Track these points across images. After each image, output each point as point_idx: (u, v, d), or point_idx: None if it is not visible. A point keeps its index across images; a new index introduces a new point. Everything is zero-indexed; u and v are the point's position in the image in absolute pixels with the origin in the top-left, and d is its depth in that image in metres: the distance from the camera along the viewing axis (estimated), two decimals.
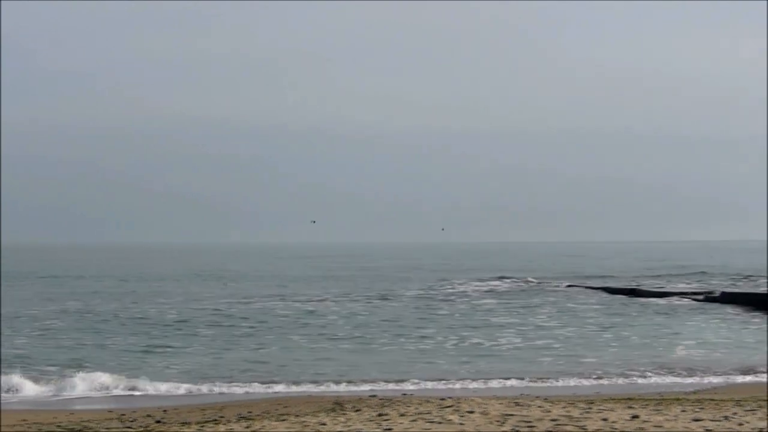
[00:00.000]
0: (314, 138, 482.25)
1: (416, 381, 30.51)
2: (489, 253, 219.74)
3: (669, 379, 31.20)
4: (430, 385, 29.90)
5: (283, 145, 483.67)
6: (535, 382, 30.50)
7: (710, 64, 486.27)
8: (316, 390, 29.17)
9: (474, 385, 29.96)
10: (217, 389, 29.66)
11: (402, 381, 30.60)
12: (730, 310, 55.25)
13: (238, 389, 29.68)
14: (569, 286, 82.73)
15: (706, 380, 30.89)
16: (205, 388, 29.74)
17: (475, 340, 42.10)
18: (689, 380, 30.96)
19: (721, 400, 22.36)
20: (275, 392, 28.92)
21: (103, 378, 30.39)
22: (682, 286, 78.77)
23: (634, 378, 31.38)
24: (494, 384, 30.06)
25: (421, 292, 75.87)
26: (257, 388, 29.68)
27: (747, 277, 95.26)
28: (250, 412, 22.43)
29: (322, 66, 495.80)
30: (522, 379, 31.02)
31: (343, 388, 29.57)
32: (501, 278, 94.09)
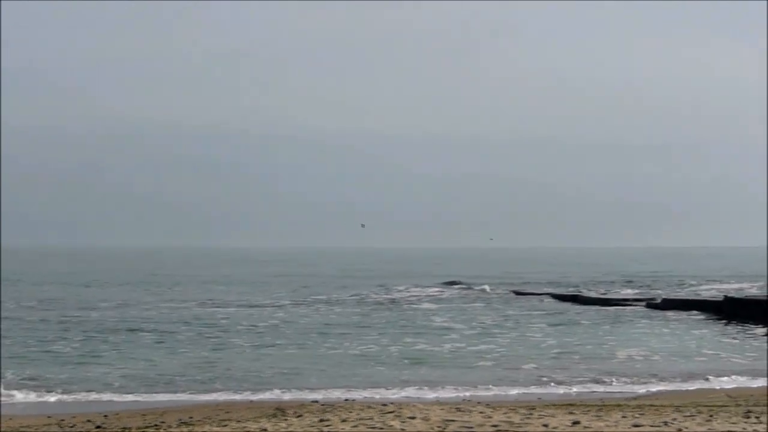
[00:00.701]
0: (271, 141, 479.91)
1: (358, 387, 30.46)
2: (433, 258, 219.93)
3: (610, 385, 31.32)
4: (372, 390, 29.83)
5: (244, 148, 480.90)
6: (477, 387, 30.51)
7: (654, 72, 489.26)
8: (257, 395, 29.04)
9: (416, 390, 29.93)
10: (158, 394, 29.44)
11: (344, 387, 30.52)
12: (671, 316, 55.67)
13: (180, 394, 29.47)
14: (513, 291, 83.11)
15: (647, 386, 31.04)
16: (146, 394, 29.51)
17: (418, 346, 42.09)
18: (630, 386, 31.10)
19: (662, 406, 22.52)
20: (217, 397, 28.76)
21: (42, 384, 30.09)
22: (624, 293, 79.45)
23: (576, 384, 31.48)
24: (436, 389, 30.04)
25: (365, 296, 75.87)
26: (199, 394, 29.50)
27: (685, 283, 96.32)
28: (191, 418, 22.31)
29: (276, 68, 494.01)
30: (464, 384, 31.03)
31: (285, 393, 29.46)
32: (445, 284, 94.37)
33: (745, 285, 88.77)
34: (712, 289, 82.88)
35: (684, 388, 30.42)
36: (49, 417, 23.99)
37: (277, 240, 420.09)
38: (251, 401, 27.39)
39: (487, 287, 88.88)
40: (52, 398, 28.82)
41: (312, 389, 30.12)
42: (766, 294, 65.08)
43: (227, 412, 23.34)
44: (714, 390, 29.28)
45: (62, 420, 23.01)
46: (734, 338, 44.82)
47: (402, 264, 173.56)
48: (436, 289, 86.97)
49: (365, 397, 27.93)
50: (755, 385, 30.56)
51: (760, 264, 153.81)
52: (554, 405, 23.10)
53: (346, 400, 26.63)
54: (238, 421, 20.63)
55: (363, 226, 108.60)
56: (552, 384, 31.38)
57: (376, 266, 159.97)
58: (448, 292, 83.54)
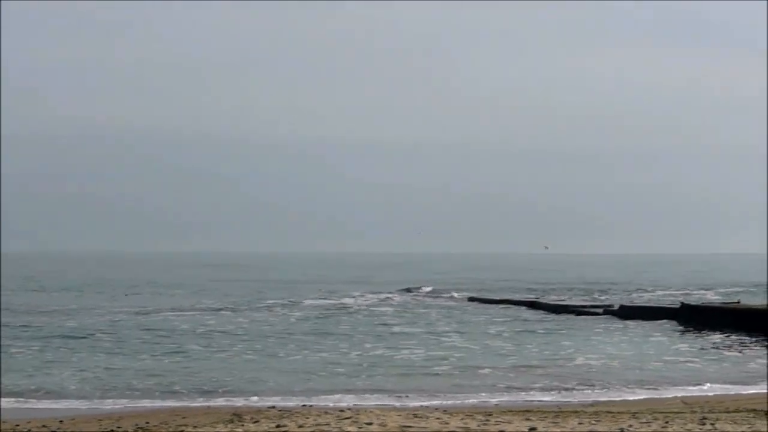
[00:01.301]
0: (237, 146, 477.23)
1: (316, 392, 30.42)
2: (393, 264, 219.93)
3: (568, 392, 31.43)
4: (329, 396, 29.80)
5: (209, 153, 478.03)
6: (434, 393, 30.54)
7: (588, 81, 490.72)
8: (214, 401, 28.94)
9: (373, 396, 29.92)
10: (114, 400, 29.28)
11: (302, 392, 30.49)
12: (629, 323, 55.89)
13: (136, 400, 29.33)
14: (470, 298, 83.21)
15: (604, 393, 31.19)
16: (102, 399, 29.35)
17: (375, 352, 42.12)
18: (587, 392, 31.22)
19: (618, 413, 22.63)
20: (173, 403, 28.63)
21: None
22: (581, 300, 79.75)
23: (533, 390, 31.56)
24: (393, 395, 30.04)
25: (322, 302, 75.78)
26: (155, 399, 29.37)
27: (641, 290, 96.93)
28: (148, 423, 22.21)
29: (241, 73, 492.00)
30: (421, 390, 31.04)
31: (241, 399, 29.38)
32: (403, 290, 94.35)
33: (700, 292, 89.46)
34: (668, 295, 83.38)
35: (640, 395, 30.57)
36: (4, 422, 23.79)
37: (243, 245, 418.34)
38: (208, 407, 27.29)
39: (445, 293, 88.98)
40: (6, 404, 28.57)
41: (269, 395, 30.07)
42: (721, 301, 65.57)
43: (184, 418, 23.25)
44: (670, 396, 29.45)
45: (17, 425, 22.82)
46: (690, 345, 45.09)
47: (361, 269, 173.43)
48: (394, 295, 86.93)
49: (323, 403, 27.89)
50: (711, 393, 30.79)
51: (712, 272, 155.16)
52: (511, 411, 23.17)
53: (303, 405, 26.59)
54: (195, 427, 20.56)
55: (420, 233, 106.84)
56: (509, 390, 31.44)
57: (336, 272, 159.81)
58: (405, 298, 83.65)
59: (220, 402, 28.77)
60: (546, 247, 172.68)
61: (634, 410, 23.59)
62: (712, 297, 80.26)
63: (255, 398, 29.45)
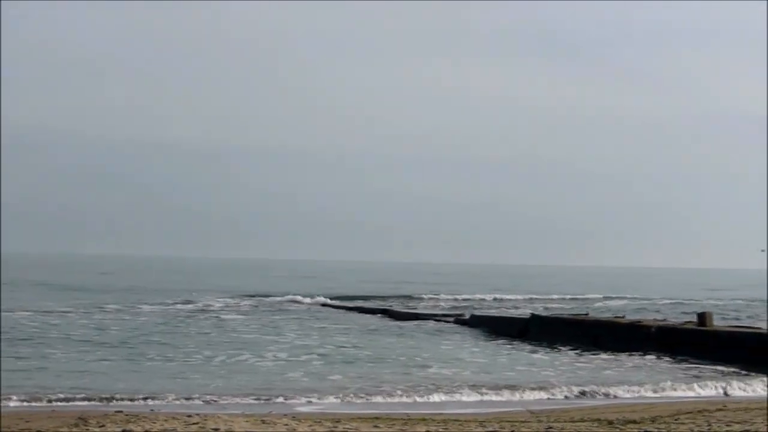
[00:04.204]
0: (146, 148, 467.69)
1: (165, 397, 30.05)
2: (247, 269, 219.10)
3: (417, 400, 31.61)
4: (178, 401, 29.49)
5: (110, 155, 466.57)
6: (284, 399, 30.46)
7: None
8: (60, 404, 28.40)
9: (223, 401, 29.71)
10: None
11: (151, 397, 30.08)
12: (479, 332, 56.55)
13: None
14: (323, 305, 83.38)
15: (453, 401, 31.46)
16: None
17: (224, 357, 41.88)
18: (436, 400, 31.46)
19: (466, 421, 22.83)
20: (16, 406, 28.01)
21: None
22: (433, 307, 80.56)
23: (384, 396, 31.68)
24: (244, 401, 29.88)
25: (170, 307, 75.14)
26: None
27: (498, 299, 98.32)
28: None
29: (144, 74, 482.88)
30: (271, 395, 30.94)
31: (88, 402, 28.89)
32: (251, 296, 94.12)
33: (556, 304, 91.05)
34: (526, 306, 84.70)
35: (489, 403, 30.90)
36: None
37: (139, 248, 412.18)
38: (54, 410, 26.76)
39: (298, 299, 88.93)
40: None
41: (117, 398, 29.59)
42: (571, 313, 66.74)
43: (27, 422, 22.73)
44: (518, 406, 29.82)
45: None
46: (539, 355, 45.77)
47: (242, 275, 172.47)
48: (245, 300, 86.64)
49: (170, 408, 27.58)
50: (557, 403, 31.29)
51: (563, 283, 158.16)
52: (360, 418, 23.20)
53: (151, 410, 26.25)
54: (38, 431, 20.14)
55: (763, 251, 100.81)
56: (359, 396, 31.51)
57: (209, 277, 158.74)
58: (255, 303, 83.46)
59: (65, 405, 28.25)
60: (762, 250, 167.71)
61: (481, 419, 23.82)
62: (560, 307, 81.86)
63: (103, 401, 28.99)
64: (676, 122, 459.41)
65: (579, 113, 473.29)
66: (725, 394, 33.85)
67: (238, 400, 30.04)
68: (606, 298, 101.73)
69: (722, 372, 39.22)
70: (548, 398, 32.36)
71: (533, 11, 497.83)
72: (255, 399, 30.32)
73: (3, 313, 60.36)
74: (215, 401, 29.75)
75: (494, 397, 32.23)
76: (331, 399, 30.90)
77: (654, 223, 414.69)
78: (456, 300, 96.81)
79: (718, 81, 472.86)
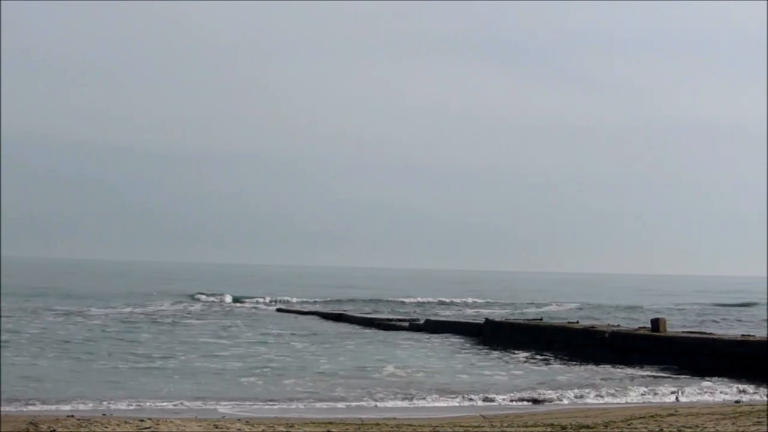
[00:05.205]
0: (110, 151, 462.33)
1: (116, 401, 29.85)
2: (204, 273, 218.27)
3: (371, 404, 31.58)
4: (130, 406, 29.29)
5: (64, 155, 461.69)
6: (238, 403, 30.34)
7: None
8: (10, 409, 28.12)
9: (175, 405, 29.54)
10: None
11: (103, 401, 29.88)
12: (435, 337, 56.54)
13: None
14: (279, 309, 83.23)
15: (408, 406, 31.43)
16: None
17: (177, 361, 41.68)
18: (391, 405, 31.43)
19: (420, 426, 22.81)
20: None
21: None
22: (388, 312, 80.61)
23: (338, 402, 31.63)
24: (197, 404, 29.73)
25: (123, 310, 74.82)
26: None
27: (449, 303, 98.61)
28: None
29: (105, 74, 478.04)
30: (225, 400, 30.81)
31: (39, 406, 28.64)
32: (205, 300, 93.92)
33: (509, 309, 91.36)
34: (479, 311, 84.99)
35: (443, 408, 30.91)
36: None
37: (113, 253, 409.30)
38: (6, 414, 26.50)
39: (254, 303, 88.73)
40: None
41: (69, 402, 29.38)
42: (525, 318, 66.93)
43: None
44: (471, 410, 29.84)
45: None
46: (493, 360, 45.86)
47: (198, 278, 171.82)
48: (201, 306, 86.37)
49: (123, 412, 27.40)
50: (509, 408, 31.35)
51: (512, 290, 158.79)
52: (313, 422, 23.14)
53: (104, 414, 26.07)
54: None
55: None
56: (313, 401, 31.45)
57: (170, 280, 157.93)
58: (204, 307, 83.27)
59: (16, 409, 27.99)
60: None
61: (435, 423, 23.81)
62: (506, 312, 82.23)
63: (54, 405, 28.77)
64: (623, 128, 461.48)
65: (527, 120, 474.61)
66: (677, 399, 34.03)
67: (190, 404, 29.90)
68: (559, 304, 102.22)
69: (675, 378, 39.49)
70: (501, 403, 32.42)
71: (478, 16, 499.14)
72: (208, 403, 30.20)
73: None
74: (168, 405, 29.60)
75: (448, 402, 32.25)
76: (285, 403, 30.83)
77: (602, 230, 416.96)
78: (410, 305, 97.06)
79: (662, 87, 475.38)
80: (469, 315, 79.45)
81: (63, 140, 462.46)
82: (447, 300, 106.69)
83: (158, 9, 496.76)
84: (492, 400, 32.80)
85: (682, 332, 49.75)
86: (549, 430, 22.08)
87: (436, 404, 31.90)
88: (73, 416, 24.99)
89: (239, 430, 20.28)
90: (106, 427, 20.65)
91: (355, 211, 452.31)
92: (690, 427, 21.43)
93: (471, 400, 32.65)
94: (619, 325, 55.77)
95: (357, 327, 64.79)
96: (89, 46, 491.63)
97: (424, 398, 32.75)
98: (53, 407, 28.52)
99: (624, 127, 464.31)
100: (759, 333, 51.66)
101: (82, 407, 28.58)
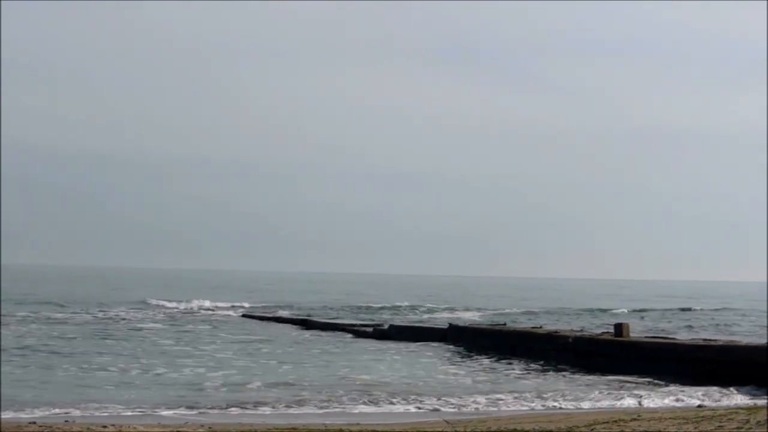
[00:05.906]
0: (79, 158, 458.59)
1: (79, 407, 29.67)
2: (172, 279, 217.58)
3: (335, 409, 31.51)
4: (94, 412, 29.12)
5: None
6: (200, 409, 30.21)
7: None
8: None
9: (138, 412, 29.39)
10: None
11: (66, 407, 29.69)
12: (398, 342, 56.52)
13: None
14: (243, 315, 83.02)
15: (372, 411, 31.38)
16: None
17: (140, 367, 41.49)
18: (355, 411, 31.38)
19: (383, 431, 22.82)
20: None
21: None
22: (353, 317, 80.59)
23: (300, 407, 31.54)
24: (159, 411, 29.59)
25: (86, 316, 74.48)
26: None
27: (413, 308, 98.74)
28: None
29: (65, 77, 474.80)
30: (187, 406, 30.66)
31: (2, 414, 28.41)
32: (170, 306, 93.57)
33: (471, 314, 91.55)
34: (443, 316, 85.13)
35: (407, 414, 30.88)
36: None
37: (80, 258, 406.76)
38: None
39: (217, 308, 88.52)
40: None
41: (30, 408, 29.15)
42: (489, 322, 67.10)
43: None
44: (435, 416, 29.84)
45: None
46: (458, 365, 45.89)
47: (142, 285, 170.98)
48: (166, 312, 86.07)
49: (87, 419, 27.23)
50: (476, 415, 31.37)
51: (486, 294, 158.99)
52: (277, 428, 23.11)
53: (66, 421, 25.90)
54: None
55: None
56: (277, 407, 31.35)
57: (136, 287, 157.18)
58: (174, 314, 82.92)
59: None
60: None
61: (398, 429, 23.84)
62: (478, 318, 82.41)
63: (15, 413, 28.53)
64: (583, 134, 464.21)
65: (493, 127, 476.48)
66: (640, 404, 34.15)
67: (153, 410, 29.75)
68: (522, 309, 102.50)
69: (638, 382, 39.59)
70: (465, 408, 32.41)
71: (444, 22, 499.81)
72: (171, 409, 30.06)
73: None
74: (130, 412, 29.43)
75: (411, 407, 32.22)
76: (249, 409, 30.72)
77: (568, 235, 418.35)
78: (374, 310, 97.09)
79: (628, 94, 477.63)
80: (433, 320, 79.61)
81: (34, 147, 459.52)
82: (411, 305, 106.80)
83: (138, 15, 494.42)
84: (455, 405, 32.79)
85: (645, 337, 50.01)
86: None
87: (400, 409, 31.87)
88: (35, 423, 24.83)
89: None
90: None
91: (327, 217, 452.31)
92: None
93: (435, 405, 32.64)
94: (582, 330, 55.99)
95: (322, 332, 64.72)
96: (66, 53, 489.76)
97: (390, 403, 32.73)
98: (13, 415, 28.28)
99: (589, 133, 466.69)
100: (723, 337, 52.01)
101: (44, 414, 28.38)
